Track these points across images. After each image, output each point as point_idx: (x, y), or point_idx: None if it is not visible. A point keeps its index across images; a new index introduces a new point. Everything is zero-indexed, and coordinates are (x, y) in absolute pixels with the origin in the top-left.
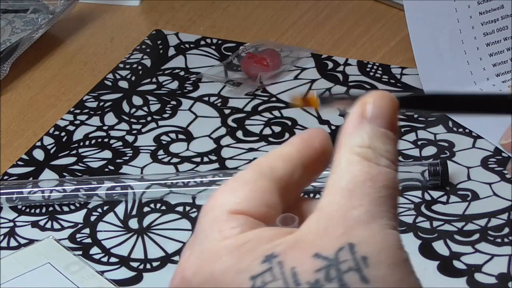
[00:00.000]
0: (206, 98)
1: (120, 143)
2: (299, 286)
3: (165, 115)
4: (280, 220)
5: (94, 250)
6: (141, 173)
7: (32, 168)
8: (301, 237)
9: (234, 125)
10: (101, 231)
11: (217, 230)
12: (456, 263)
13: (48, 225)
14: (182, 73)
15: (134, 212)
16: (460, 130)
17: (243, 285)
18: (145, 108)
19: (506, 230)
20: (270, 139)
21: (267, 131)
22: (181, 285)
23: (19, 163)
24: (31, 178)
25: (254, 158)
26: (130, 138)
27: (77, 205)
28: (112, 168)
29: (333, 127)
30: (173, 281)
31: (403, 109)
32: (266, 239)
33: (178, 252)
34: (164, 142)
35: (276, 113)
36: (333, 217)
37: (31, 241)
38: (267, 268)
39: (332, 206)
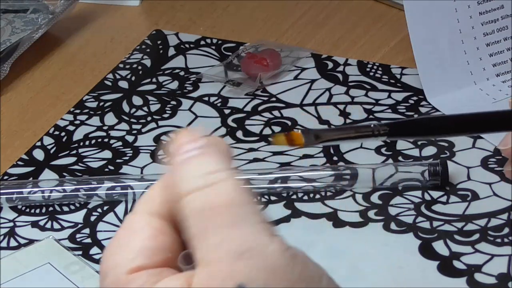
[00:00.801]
0: (206, 98)
1: (120, 143)
2: None
3: (165, 115)
4: (180, 261)
5: (94, 250)
6: (141, 173)
7: (32, 168)
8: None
9: (234, 125)
10: (101, 231)
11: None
12: (456, 263)
13: (48, 225)
14: (182, 73)
15: None
16: None
17: None
18: (145, 108)
19: (506, 230)
20: (270, 139)
21: (267, 131)
22: None
23: (19, 163)
24: (31, 178)
25: (254, 158)
26: (130, 138)
27: (77, 205)
28: (112, 168)
29: (333, 127)
30: None
31: (396, 137)
32: None
33: None
34: (164, 142)
35: (276, 113)
36: (208, 255)
37: (31, 241)
38: None
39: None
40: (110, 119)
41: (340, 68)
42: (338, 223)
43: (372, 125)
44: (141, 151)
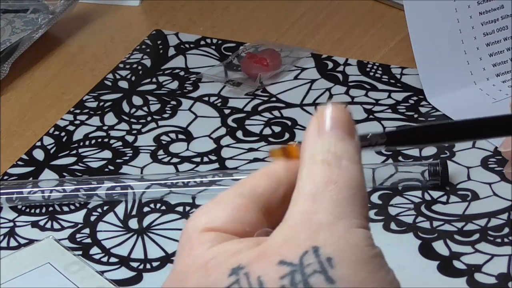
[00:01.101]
0: (206, 98)
1: (120, 143)
2: None
3: (165, 115)
4: (258, 234)
5: (94, 250)
6: (141, 173)
7: (32, 168)
8: (266, 247)
9: (234, 125)
10: (101, 231)
11: (188, 248)
12: (456, 263)
13: (48, 225)
14: (182, 73)
15: (134, 212)
16: None
17: None
18: (145, 108)
19: (506, 230)
20: (270, 139)
21: (267, 131)
22: None
23: (19, 163)
24: (31, 178)
25: (254, 158)
26: (130, 138)
27: (77, 205)
28: (112, 168)
29: None
30: None
31: (395, 145)
32: (233, 251)
33: None
34: (164, 142)
35: (276, 113)
36: (297, 224)
37: (31, 241)
38: (234, 280)
39: (296, 214)
40: (110, 119)
41: (340, 68)
42: None
43: (369, 135)
44: (141, 151)
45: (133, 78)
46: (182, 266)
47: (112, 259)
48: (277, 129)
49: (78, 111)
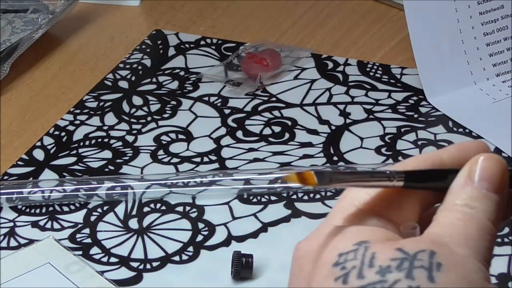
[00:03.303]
0: (206, 98)
1: (120, 143)
2: (372, 267)
3: (165, 115)
4: (404, 226)
5: (94, 250)
6: (141, 173)
7: (32, 168)
8: (395, 239)
9: (234, 125)
10: (101, 231)
11: (339, 218)
12: None
13: (48, 225)
14: (182, 73)
15: (134, 212)
16: (460, 130)
17: (331, 259)
18: (145, 108)
19: (506, 230)
20: (270, 139)
21: (267, 131)
22: (294, 253)
23: (19, 163)
24: (31, 178)
25: (254, 158)
26: (130, 138)
27: (77, 205)
28: (112, 168)
29: (333, 127)
30: (293, 253)
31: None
32: (371, 232)
33: (178, 252)
34: (164, 142)
35: (276, 113)
36: (427, 234)
37: (31, 241)
38: (354, 249)
39: (428, 232)
40: (110, 119)
41: (340, 68)
42: None
43: (388, 172)
44: (141, 151)
45: (133, 78)
46: (326, 229)
47: (112, 259)
48: (277, 129)
49: (78, 111)
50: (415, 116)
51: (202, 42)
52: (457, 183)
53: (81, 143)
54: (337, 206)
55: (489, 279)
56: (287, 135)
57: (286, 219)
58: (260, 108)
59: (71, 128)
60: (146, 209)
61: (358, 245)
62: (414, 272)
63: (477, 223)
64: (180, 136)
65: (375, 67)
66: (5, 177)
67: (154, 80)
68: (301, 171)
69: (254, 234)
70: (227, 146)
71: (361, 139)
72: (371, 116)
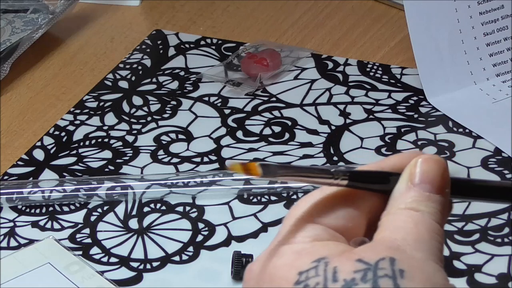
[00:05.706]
0: (206, 98)
1: (120, 143)
2: (336, 281)
3: (165, 115)
4: (353, 242)
5: (94, 250)
6: (141, 173)
7: (32, 168)
8: (349, 249)
9: (234, 125)
10: (101, 231)
11: (292, 236)
12: (456, 263)
13: (48, 225)
14: (182, 73)
15: (134, 212)
16: (460, 130)
17: (291, 278)
18: (145, 108)
19: (506, 230)
20: (270, 139)
21: (267, 131)
22: (247, 275)
23: (19, 163)
24: (31, 178)
25: (254, 158)
26: (130, 138)
27: (77, 205)
28: (112, 168)
29: (333, 127)
30: (244, 274)
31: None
32: (326, 249)
33: (178, 252)
34: (164, 142)
35: (276, 113)
36: (379, 241)
37: (31, 241)
38: (314, 266)
39: (380, 236)
40: (110, 119)
41: (340, 68)
42: None
43: (332, 170)
44: (141, 151)
45: (133, 78)
46: (281, 248)
47: (112, 259)
48: (277, 129)
49: (78, 111)
50: (415, 116)
51: (202, 42)
52: (399, 187)
53: (81, 143)
54: (284, 223)
55: (447, 278)
56: (287, 135)
57: None
58: (260, 108)
59: (71, 128)
60: (146, 209)
61: (317, 262)
62: (380, 282)
63: (425, 225)
64: (180, 136)
65: (375, 67)
66: (5, 177)
67: (154, 80)
68: (245, 162)
69: (254, 234)
70: (227, 146)
71: (361, 139)
72: (371, 116)
